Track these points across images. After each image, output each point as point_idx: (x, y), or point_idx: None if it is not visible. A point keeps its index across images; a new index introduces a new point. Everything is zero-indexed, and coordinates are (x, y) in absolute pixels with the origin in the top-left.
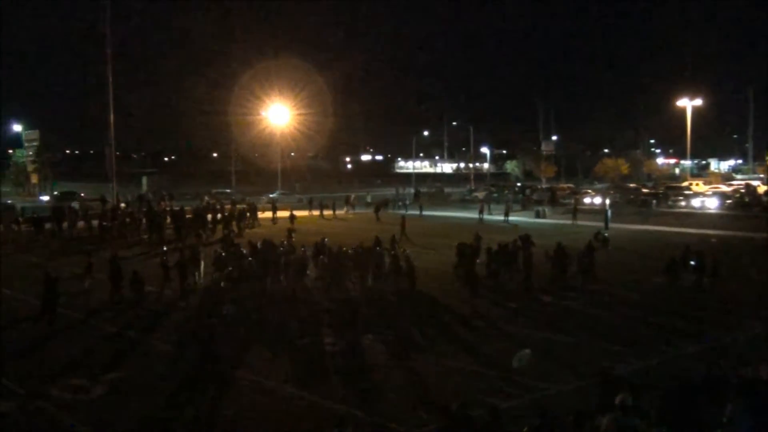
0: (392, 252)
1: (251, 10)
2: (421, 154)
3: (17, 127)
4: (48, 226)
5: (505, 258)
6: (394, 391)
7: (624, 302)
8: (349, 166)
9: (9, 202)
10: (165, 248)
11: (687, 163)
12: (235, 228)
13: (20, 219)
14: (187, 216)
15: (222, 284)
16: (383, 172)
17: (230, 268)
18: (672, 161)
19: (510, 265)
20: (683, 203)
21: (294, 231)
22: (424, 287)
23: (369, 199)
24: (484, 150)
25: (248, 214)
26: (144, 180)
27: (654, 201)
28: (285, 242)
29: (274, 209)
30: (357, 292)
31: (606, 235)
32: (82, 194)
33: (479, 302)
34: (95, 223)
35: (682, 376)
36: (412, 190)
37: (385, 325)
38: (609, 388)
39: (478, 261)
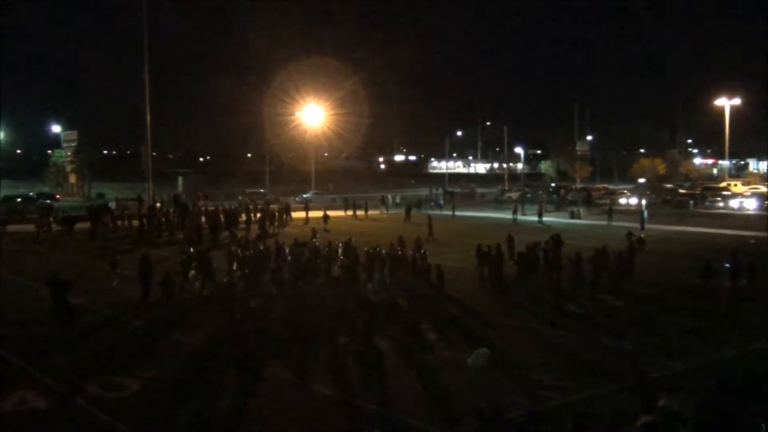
0: (412, 253)
1: (286, 10)
2: (455, 155)
3: (56, 128)
4: (77, 225)
5: (532, 260)
6: (423, 391)
7: (657, 304)
8: (383, 166)
9: (48, 202)
10: (192, 249)
11: (725, 163)
12: (269, 227)
13: (51, 219)
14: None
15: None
16: (417, 173)
17: (246, 270)
18: (710, 161)
19: (538, 267)
20: (721, 204)
21: (328, 230)
22: (449, 289)
23: (398, 200)
24: (518, 150)
25: (284, 214)
26: (180, 180)
27: (691, 202)
28: (311, 242)
29: (307, 209)
30: (379, 292)
31: (642, 236)
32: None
33: (505, 304)
34: (133, 222)
35: (721, 379)
36: (441, 190)
37: (408, 325)
38: (648, 391)
39: (512, 261)
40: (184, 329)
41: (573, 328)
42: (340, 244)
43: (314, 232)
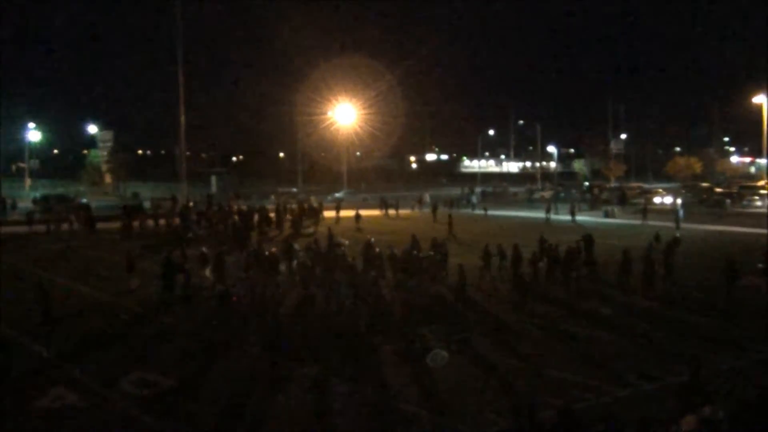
0: (418, 253)
1: (319, 9)
2: (487, 153)
3: (92, 128)
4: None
5: (555, 259)
6: (458, 390)
7: (689, 306)
8: (415, 165)
9: (84, 201)
10: (204, 249)
11: (763, 161)
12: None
13: (73, 217)
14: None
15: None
16: (449, 172)
17: (248, 272)
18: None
19: (567, 267)
20: (759, 203)
21: (360, 229)
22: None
23: (428, 199)
24: (551, 149)
25: (315, 214)
26: (213, 179)
27: (728, 201)
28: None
29: (338, 209)
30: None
31: (677, 235)
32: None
33: (521, 305)
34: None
35: (761, 386)
36: (477, 189)
37: (438, 324)
38: (697, 391)
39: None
40: (216, 327)
41: (601, 328)
42: (345, 246)
43: (330, 231)
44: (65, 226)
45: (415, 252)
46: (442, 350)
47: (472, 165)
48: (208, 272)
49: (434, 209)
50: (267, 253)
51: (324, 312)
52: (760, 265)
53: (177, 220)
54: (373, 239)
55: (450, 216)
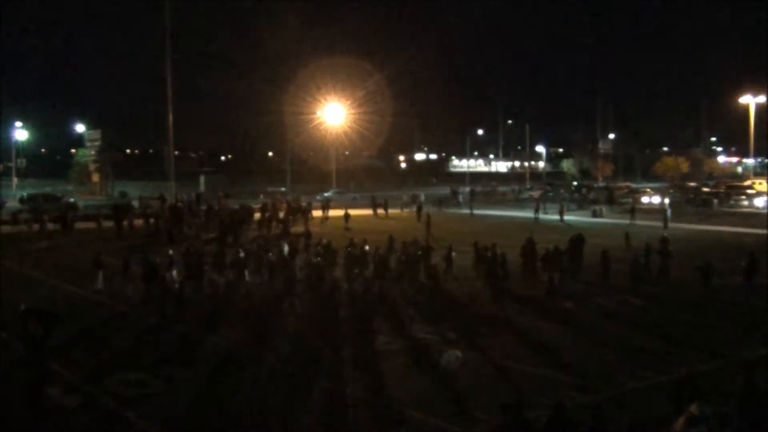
0: (385, 253)
1: (308, 9)
2: (476, 153)
3: (80, 127)
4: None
5: (531, 257)
6: (447, 390)
7: (677, 306)
8: (403, 165)
9: (71, 200)
10: (171, 251)
11: (750, 161)
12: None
13: (46, 217)
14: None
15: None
16: (438, 171)
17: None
18: (734, 159)
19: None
20: (745, 203)
21: (349, 229)
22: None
23: (423, 199)
24: (540, 148)
25: (301, 213)
26: (202, 179)
27: (715, 200)
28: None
29: (326, 208)
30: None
31: (665, 234)
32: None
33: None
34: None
35: (753, 383)
36: (466, 189)
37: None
38: (682, 392)
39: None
40: (201, 326)
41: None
42: (320, 247)
43: (308, 232)
44: (36, 227)
45: (379, 253)
46: (455, 351)
47: (461, 164)
48: (175, 273)
49: (419, 209)
50: (242, 254)
51: (285, 311)
52: (743, 264)
53: (165, 220)
54: (355, 239)
55: (428, 216)
